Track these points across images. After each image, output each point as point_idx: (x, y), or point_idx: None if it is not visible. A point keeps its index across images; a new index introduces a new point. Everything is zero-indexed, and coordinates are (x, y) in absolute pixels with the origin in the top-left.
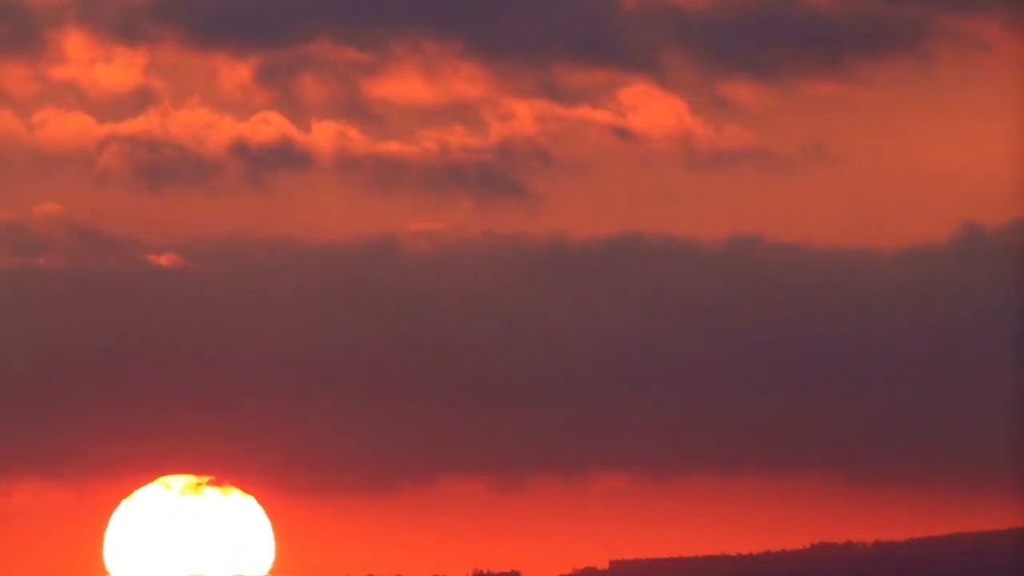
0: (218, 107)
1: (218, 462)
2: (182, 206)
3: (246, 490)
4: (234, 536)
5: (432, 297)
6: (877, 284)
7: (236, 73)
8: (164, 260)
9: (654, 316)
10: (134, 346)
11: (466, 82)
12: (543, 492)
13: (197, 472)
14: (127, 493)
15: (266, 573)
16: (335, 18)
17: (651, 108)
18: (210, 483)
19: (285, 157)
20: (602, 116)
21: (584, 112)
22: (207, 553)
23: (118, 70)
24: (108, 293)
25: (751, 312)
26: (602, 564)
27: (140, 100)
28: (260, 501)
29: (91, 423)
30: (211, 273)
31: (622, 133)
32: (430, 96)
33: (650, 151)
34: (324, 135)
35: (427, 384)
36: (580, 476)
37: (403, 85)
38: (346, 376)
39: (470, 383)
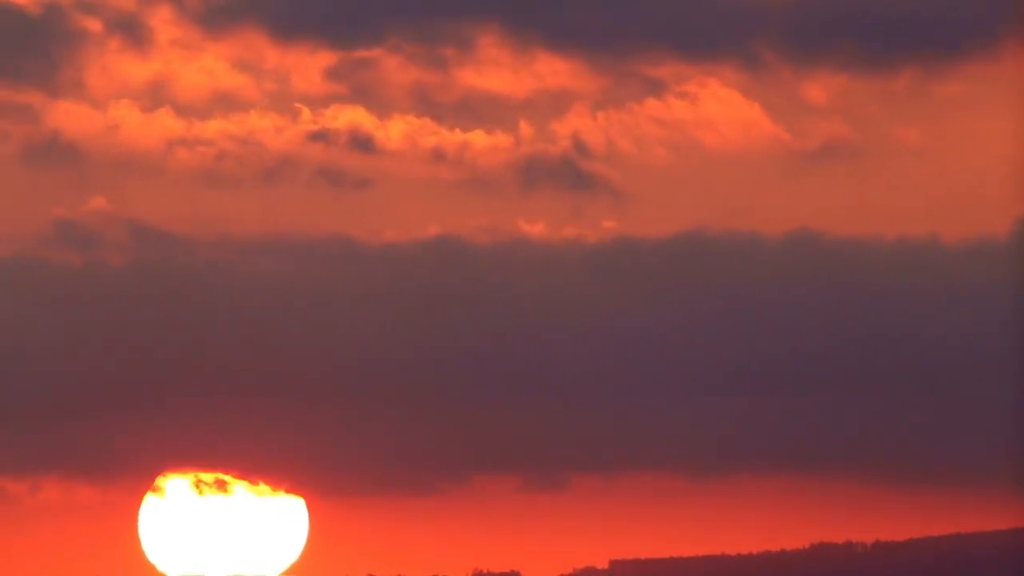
0: (292, 103)
1: (246, 459)
2: (248, 203)
3: (276, 487)
4: (259, 533)
5: (492, 296)
6: (908, 281)
7: (311, 69)
8: (223, 257)
9: (693, 315)
10: (183, 343)
11: (540, 77)
12: (543, 492)
13: (226, 469)
14: (159, 489)
15: (268, 574)
16: (412, 11)
17: (722, 102)
18: (236, 477)
19: (359, 154)
20: (675, 110)
21: (656, 106)
22: (233, 549)
23: (195, 66)
24: (163, 290)
25: (779, 311)
26: (602, 564)
27: (214, 97)
28: (286, 498)
29: (124, 419)
30: (269, 270)
31: (696, 126)
32: (505, 90)
33: (722, 145)
34: (399, 130)
35: (468, 383)
36: (597, 477)
37: (479, 79)
38: (386, 376)
39: (516, 382)
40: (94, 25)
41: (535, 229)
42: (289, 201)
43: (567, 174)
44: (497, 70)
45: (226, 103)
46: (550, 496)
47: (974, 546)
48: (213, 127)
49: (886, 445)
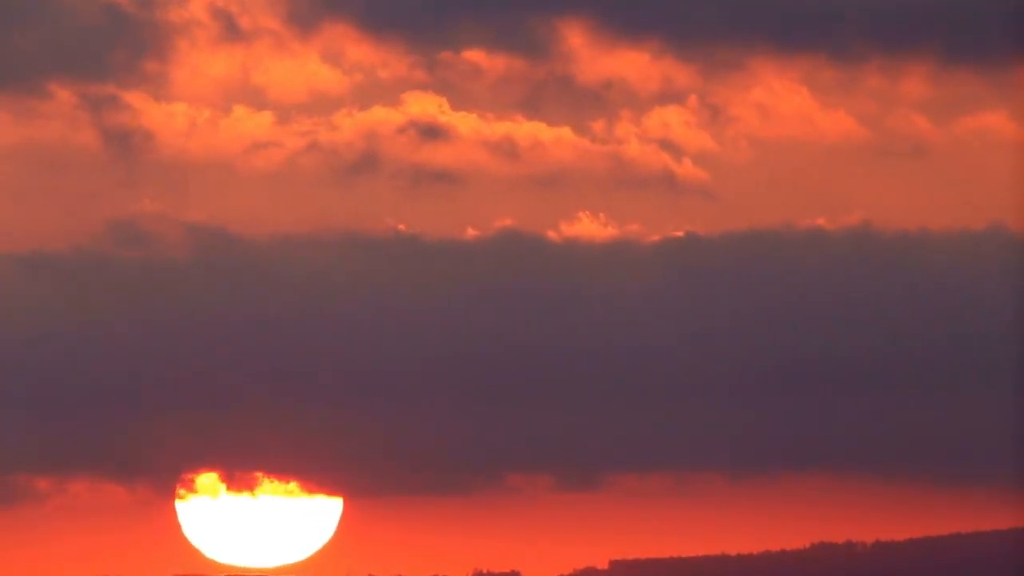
0: (373, 98)
1: (279, 458)
2: (315, 200)
3: (306, 487)
4: (281, 531)
5: (547, 294)
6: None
7: (395, 64)
8: (281, 254)
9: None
10: (235, 341)
11: (616, 71)
12: (543, 492)
13: (258, 468)
14: (192, 487)
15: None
16: (497, 4)
17: (799, 95)
18: (265, 475)
19: (438, 149)
20: (752, 105)
21: (735, 101)
22: (252, 546)
23: (279, 61)
24: (218, 288)
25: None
26: (602, 564)
27: (294, 92)
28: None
29: (155, 417)
30: (319, 268)
31: (771, 121)
32: (581, 85)
33: (795, 140)
34: (480, 126)
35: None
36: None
37: (559, 73)
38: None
39: (557, 380)
40: (181, 17)
41: (604, 225)
42: (356, 198)
43: (642, 170)
44: (576, 65)
45: (307, 98)
46: (554, 497)
47: (974, 546)
48: (292, 123)
49: (887, 445)
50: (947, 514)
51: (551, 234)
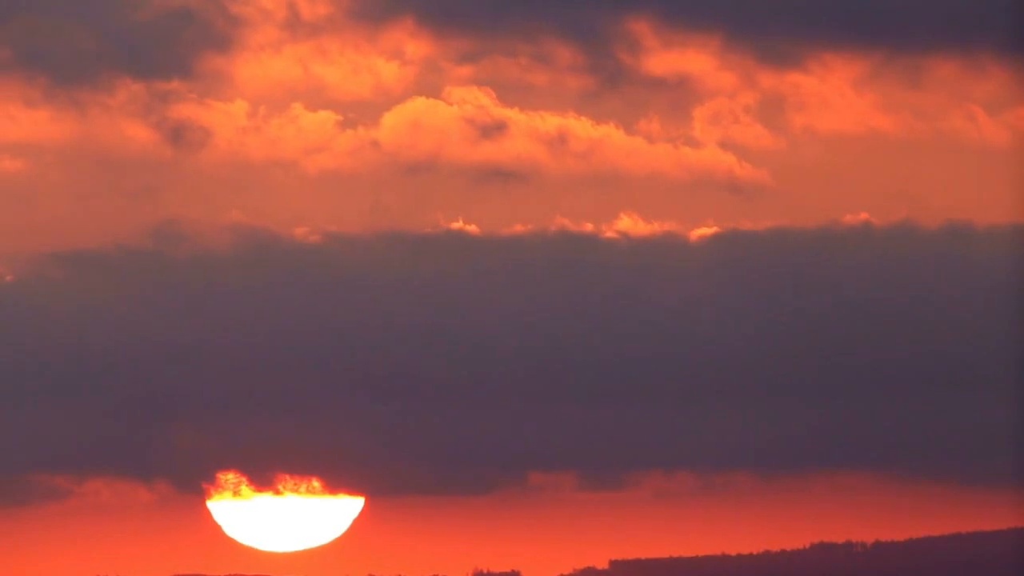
0: (426, 96)
1: (299, 457)
2: (367, 198)
3: (327, 486)
4: (298, 528)
5: (578, 293)
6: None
7: (453, 61)
8: (327, 253)
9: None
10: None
11: (666, 71)
12: (542, 493)
13: (280, 467)
14: (217, 486)
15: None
16: (555, 3)
17: (851, 92)
18: (287, 474)
19: (495, 147)
20: (808, 95)
21: (785, 96)
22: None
23: (336, 58)
24: (259, 286)
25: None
26: (602, 564)
27: (349, 90)
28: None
29: (182, 418)
30: (349, 267)
31: (826, 117)
32: (636, 83)
33: (854, 136)
34: (534, 125)
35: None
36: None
37: (619, 71)
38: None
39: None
40: (243, 13)
41: (649, 222)
42: (408, 195)
43: (696, 167)
44: (634, 61)
45: (366, 95)
46: (558, 496)
47: (974, 546)
48: (348, 120)
49: (887, 445)
50: (947, 514)
51: (591, 229)
